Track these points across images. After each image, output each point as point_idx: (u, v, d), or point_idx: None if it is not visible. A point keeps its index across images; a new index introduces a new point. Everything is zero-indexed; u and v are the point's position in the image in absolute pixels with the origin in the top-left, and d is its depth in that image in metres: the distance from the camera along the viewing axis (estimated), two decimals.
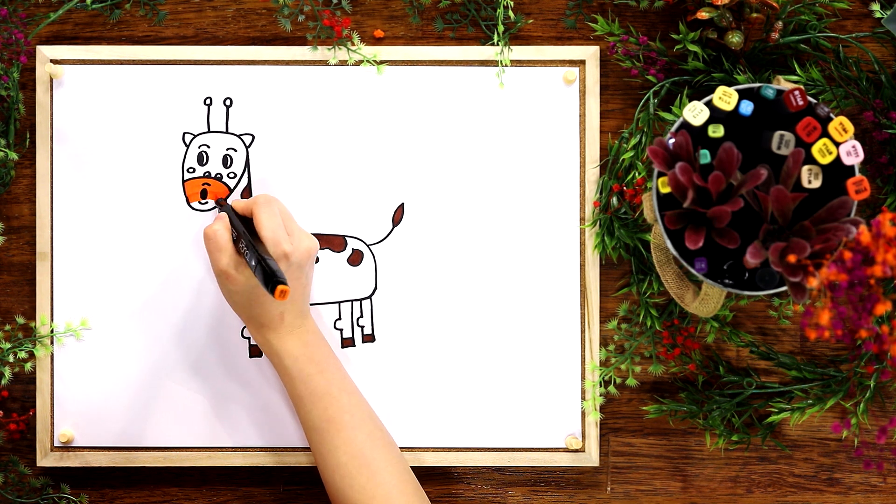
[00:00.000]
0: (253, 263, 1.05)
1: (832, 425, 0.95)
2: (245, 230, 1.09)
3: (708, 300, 1.08)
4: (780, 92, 1.03)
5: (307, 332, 1.12)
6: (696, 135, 1.04)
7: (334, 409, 1.11)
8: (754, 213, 1.01)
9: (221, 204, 1.16)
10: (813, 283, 0.89)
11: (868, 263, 0.89)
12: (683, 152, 1.00)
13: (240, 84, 1.17)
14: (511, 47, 1.17)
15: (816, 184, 1.02)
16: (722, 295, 1.07)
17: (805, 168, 1.02)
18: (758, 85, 1.04)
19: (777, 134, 1.02)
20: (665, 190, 1.02)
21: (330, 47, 1.17)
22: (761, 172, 0.99)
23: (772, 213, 0.99)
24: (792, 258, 0.95)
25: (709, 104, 1.03)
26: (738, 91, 1.03)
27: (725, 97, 1.03)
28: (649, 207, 1.07)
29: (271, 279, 1.03)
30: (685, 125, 1.04)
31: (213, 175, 1.18)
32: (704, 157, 1.02)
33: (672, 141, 1.02)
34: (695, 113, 1.03)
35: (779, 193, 0.99)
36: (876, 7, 1.16)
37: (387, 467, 1.11)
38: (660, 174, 1.03)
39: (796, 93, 1.02)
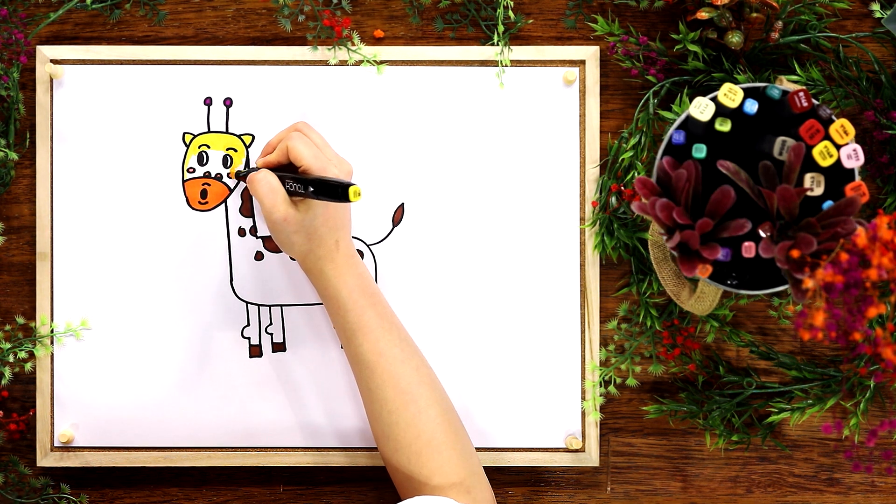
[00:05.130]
0: (311, 189, 1.06)
1: (823, 426, 0.94)
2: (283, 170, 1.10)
3: (704, 298, 1.08)
4: (785, 93, 1.03)
5: (358, 264, 1.13)
6: (701, 130, 1.04)
7: (385, 343, 1.11)
8: (756, 209, 1.01)
9: (241, 176, 1.16)
10: (809, 283, 0.89)
11: (864, 266, 0.89)
12: (674, 182, 1.00)
13: (240, 84, 1.17)
14: (511, 47, 1.17)
15: (819, 191, 1.02)
16: (717, 294, 1.07)
17: (808, 175, 1.02)
18: (763, 85, 1.04)
19: (779, 139, 1.02)
20: None
21: (330, 47, 1.17)
22: (744, 225, 0.99)
23: (777, 209, 1.00)
24: (795, 253, 0.95)
25: (714, 100, 1.03)
26: (744, 90, 1.03)
27: (730, 94, 1.03)
28: None
29: (340, 186, 1.04)
30: (690, 121, 1.04)
31: (213, 175, 1.18)
32: (699, 150, 1.02)
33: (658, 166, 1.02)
34: (701, 109, 1.03)
35: (784, 192, 0.99)
36: (876, 7, 1.16)
37: (432, 405, 1.11)
38: (659, 171, 1.03)
39: (801, 94, 1.02)
